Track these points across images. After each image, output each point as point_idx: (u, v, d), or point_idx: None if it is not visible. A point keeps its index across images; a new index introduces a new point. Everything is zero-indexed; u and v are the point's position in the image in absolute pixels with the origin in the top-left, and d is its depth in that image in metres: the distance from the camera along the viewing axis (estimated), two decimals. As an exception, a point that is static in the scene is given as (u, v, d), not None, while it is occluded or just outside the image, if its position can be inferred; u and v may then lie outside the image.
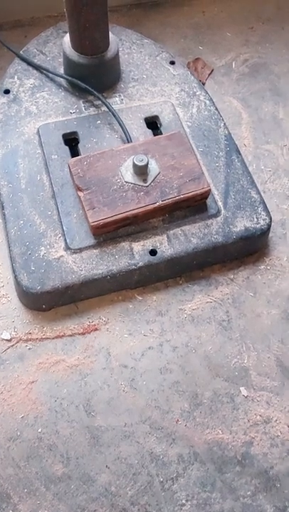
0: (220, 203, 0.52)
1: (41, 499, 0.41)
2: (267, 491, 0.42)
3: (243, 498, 0.42)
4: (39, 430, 0.44)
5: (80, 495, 0.42)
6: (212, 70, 0.68)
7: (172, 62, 0.62)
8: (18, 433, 0.44)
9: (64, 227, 0.49)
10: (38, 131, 0.55)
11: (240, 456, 0.44)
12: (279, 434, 0.45)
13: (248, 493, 0.42)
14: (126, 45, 0.63)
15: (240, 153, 0.56)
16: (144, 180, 0.49)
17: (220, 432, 0.45)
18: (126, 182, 0.49)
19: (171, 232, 0.50)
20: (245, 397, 0.46)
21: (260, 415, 0.45)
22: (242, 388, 0.46)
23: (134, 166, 0.48)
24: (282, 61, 0.70)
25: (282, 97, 0.67)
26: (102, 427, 0.44)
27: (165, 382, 0.46)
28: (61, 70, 0.60)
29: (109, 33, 0.55)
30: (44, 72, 0.60)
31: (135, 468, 0.43)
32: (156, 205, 0.48)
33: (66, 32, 0.55)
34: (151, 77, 0.61)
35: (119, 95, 0.59)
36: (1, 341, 0.48)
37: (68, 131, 0.55)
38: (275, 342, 0.49)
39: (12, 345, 0.48)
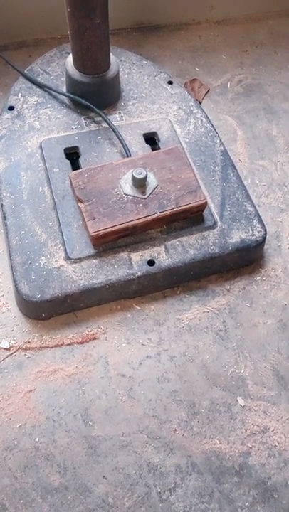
0: (216, 215, 0.54)
1: (37, 510, 0.41)
2: (265, 501, 0.42)
3: (241, 509, 0.42)
4: (36, 439, 0.44)
5: (77, 506, 0.41)
6: (208, 90, 0.71)
7: (170, 82, 0.65)
8: (15, 442, 0.44)
9: (64, 238, 0.50)
10: (41, 146, 0.56)
11: (238, 466, 0.44)
12: (276, 444, 0.45)
13: (246, 504, 0.42)
14: (126, 66, 0.66)
15: (235, 168, 0.58)
16: (143, 193, 0.51)
17: (217, 441, 0.45)
18: (125, 194, 0.51)
19: (169, 243, 0.51)
20: (243, 407, 0.46)
21: (257, 425, 0.46)
22: (239, 398, 0.47)
23: (133, 178, 0.50)
24: (275, 82, 0.73)
25: (276, 116, 0.69)
26: (99, 437, 0.44)
27: (163, 392, 0.47)
28: (64, 89, 0.62)
29: (111, 54, 0.58)
30: (47, 90, 0.62)
31: (132, 479, 0.42)
32: (154, 216, 0.50)
33: (69, 53, 0.58)
34: (150, 95, 0.63)
35: (120, 112, 0.61)
36: (-1, 350, 0.48)
37: (70, 145, 0.57)
38: (271, 351, 0.50)
39: (11, 354, 0.48)
